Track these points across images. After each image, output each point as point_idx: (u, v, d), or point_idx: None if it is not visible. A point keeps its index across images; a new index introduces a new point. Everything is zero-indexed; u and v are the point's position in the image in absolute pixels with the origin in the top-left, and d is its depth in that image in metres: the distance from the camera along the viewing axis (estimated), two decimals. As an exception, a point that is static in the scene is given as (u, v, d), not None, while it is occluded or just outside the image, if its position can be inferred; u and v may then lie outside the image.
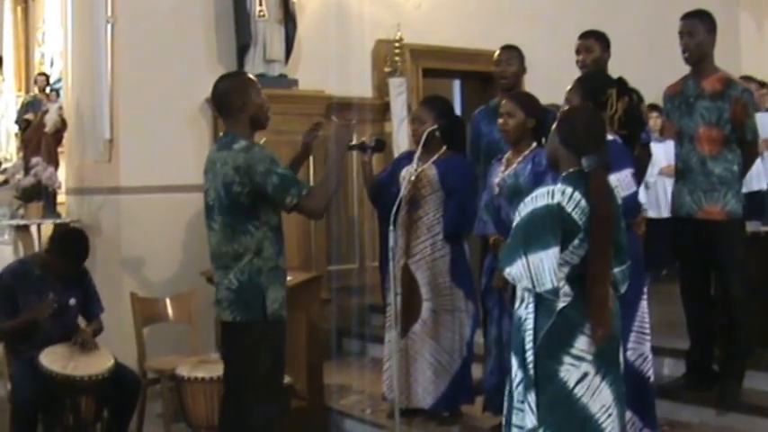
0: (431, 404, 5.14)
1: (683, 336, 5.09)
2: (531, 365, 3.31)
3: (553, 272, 3.22)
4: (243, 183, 3.81)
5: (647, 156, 5.33)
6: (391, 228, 4.67)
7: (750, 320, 4.92)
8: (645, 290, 4.24)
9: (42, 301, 5.05)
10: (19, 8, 9.86)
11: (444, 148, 5.19)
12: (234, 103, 3.97)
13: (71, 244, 5.33)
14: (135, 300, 5.89)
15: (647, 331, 4.22)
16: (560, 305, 3.28)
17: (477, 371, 5.27)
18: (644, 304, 4.22)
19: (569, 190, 3.28)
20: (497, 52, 5.62)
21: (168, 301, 6.05)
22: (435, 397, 5.13)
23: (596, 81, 4.36)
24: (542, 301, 3.32)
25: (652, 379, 4.26)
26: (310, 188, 3.92)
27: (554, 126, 3.54)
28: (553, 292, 3.26)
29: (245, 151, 3.84)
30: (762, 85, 8.31)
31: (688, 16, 4.98)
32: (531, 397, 3.32)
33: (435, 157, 5.17)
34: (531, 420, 3.33)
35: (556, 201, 3.27)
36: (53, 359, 4.87)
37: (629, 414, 4.08)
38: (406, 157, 5.39)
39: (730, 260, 4.86)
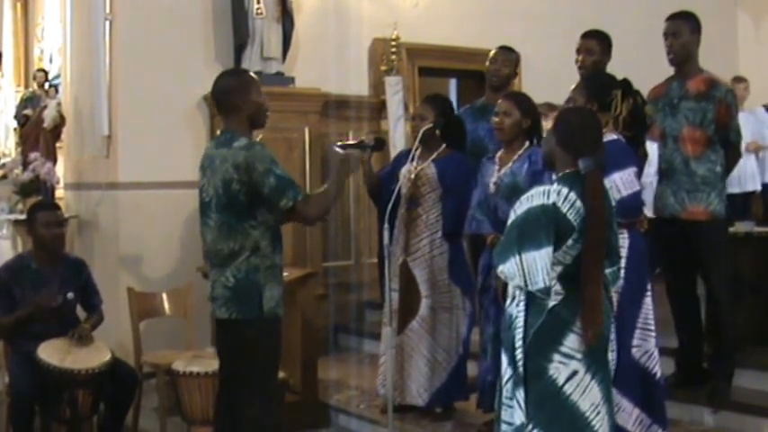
0: (426, 402, 5.19)
1: (673, 334, 5.12)
2: (520, 363, 3.35)
3: (545, 271, 3.25)
4: (242, 181, 3.81)
5: (644, 155, 5.37)
6: (386, 225, 4.70)
7: (737, 319, 4.95)
8: (649, 286, 4.25)
9: (42, 294, 5.09)
10: (18, 4, 9.88)
11: (443, 146, 5.23)
12: (233, 101, 3.97)
13: (39, 205, 5.49)
14: (132, 294, 5.93)
15: (652, 328, 4.22)
16: (551, 303, 3.31)
17: (471, 368, 5.30)
18: (648, 301, 4.22)
19: (565, 190, 3.31)
20: (494, 51, 5.65)
21: (165, 296, 6.08)
22: (430, 394, 5.17)
23: (602, 82, 4.39)
24: (533, 299, 3.34)
25: (659, 375, 4.24)
26: (307, 194, 3.94)
27: (551, 126, 3.57)
28: (545, 291, 3.29)
29: (245, 149, 3.84)
30: None
31: (673, 17, 5.00)
32: (520, 394, 3.35)
33: (434, 155, 5.21)
34: (519, 417, 3.36)
35: (551, 201, 3.29)
36: (51, 352, 4.89)
37: (636, 411, 4.12)
38: (406, 155, 5.43)
39: (713, 260, 4.89)
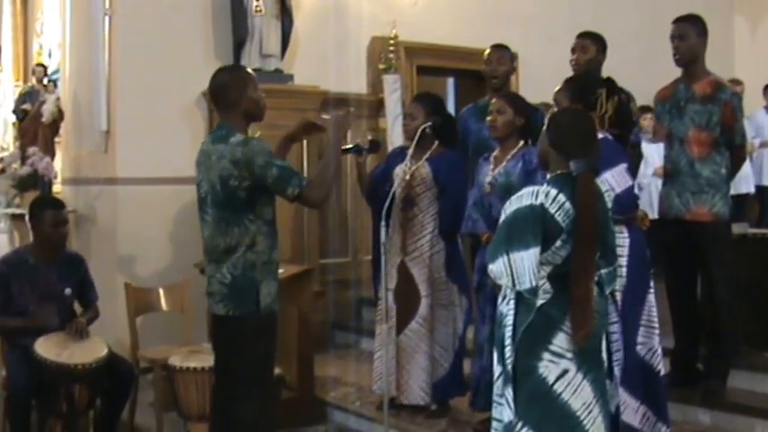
0: (428, 401, 5.20)
1: (668, 334, 5.13)
2: (509, 361, 3.36)
3: (532, 271, 3.25)
4: (241, 176, 3.81)
5: (638, 156, 5.40)
6: (383, 224, 4.72)
7: (735, 321, 4.98)
8: (651, 284, 4.27)
9: (41, 306, 5.12)
10: (18, -1, 9.92)
11: (436, 144, 5.25)
12: (230, 96, 3.98)
13: (45, 202, 5.47)
14: (129, 289, 5.94)
15: (656, 325, 4.24)
16: (540, 302, 3.31)
17: (466, 366, 5.32)
18: (651, 298, 4.24)
19: (553, 192, 3.31)
20: (488, 51, 5.67)
21: (162, 292, 6.10)
22: (430, 392, 5.19)
23: (585, 81, 4.42)
24: (523, 298, 3.35)
25: (662, 372, 4.28)
26: (310, 179, 3.92)
27: (545, 127, 3.58)
28: (532, 291, 3.29)
29: (242, 145, 3.84)
30: None
31: (680, 20, 5.03)
32: (509, 391, 3.36)
33: (428, 154, 5.22)
34: (508, 414, 3.37)
35: (539, 201, 3.29)
36: (47, 347, 4.89)
37: (643, 408, 4.15)
38: (399, 154, 5.44)
39: (716, 261, 4.91)
